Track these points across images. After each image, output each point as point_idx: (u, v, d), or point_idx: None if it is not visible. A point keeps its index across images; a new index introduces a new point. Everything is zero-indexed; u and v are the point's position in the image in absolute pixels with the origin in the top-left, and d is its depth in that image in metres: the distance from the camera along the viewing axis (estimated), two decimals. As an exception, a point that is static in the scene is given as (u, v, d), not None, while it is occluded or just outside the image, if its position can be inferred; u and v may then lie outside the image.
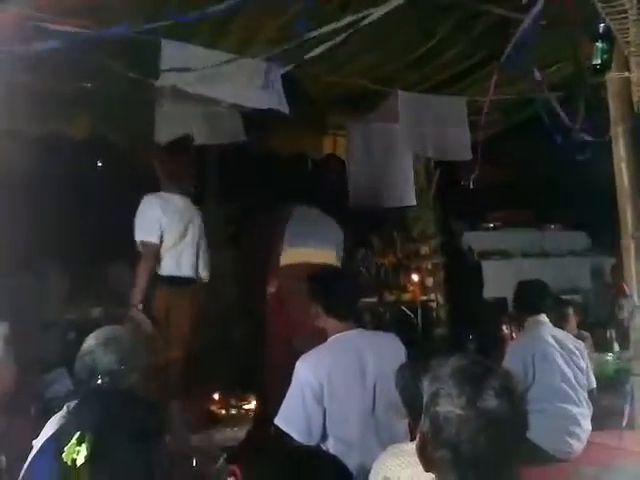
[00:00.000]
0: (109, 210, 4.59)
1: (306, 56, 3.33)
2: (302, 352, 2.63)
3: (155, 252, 3.59)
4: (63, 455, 1.32)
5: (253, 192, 5.24)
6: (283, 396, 2.53)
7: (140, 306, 3.46)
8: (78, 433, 1.32)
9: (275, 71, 3.56)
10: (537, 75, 3.24)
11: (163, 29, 3.03)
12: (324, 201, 4.62)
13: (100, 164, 5.57)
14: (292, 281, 3.92)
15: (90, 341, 2.10)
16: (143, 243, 3.58)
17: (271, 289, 4.05)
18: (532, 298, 3.76)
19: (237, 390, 4.24)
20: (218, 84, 3.44)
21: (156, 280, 3.59)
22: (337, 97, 4.39)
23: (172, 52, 3.28)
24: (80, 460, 1.30)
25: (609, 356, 4.52)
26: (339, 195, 4.76)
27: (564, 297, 4.80)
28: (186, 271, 3.71)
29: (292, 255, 4.03)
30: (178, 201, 3.75)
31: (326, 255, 3.99)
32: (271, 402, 2.73)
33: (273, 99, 3.58)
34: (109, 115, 4.15)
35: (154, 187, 3.81)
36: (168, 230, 3.65)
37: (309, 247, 4.02)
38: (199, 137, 4.05)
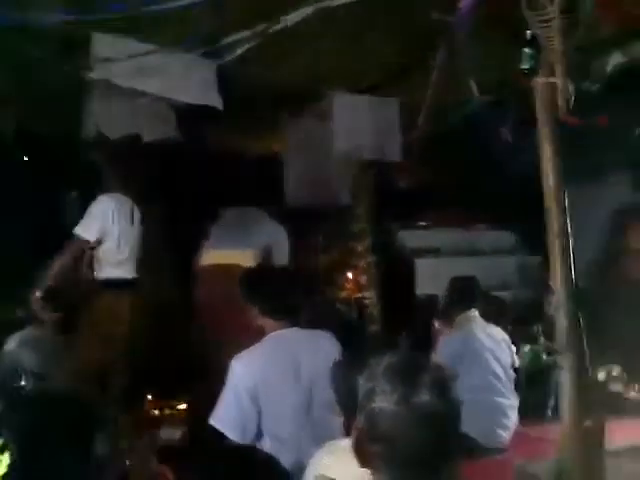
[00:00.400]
0: (35, 208, 4.43)
1: (239, 50, 3.33)
2: (227, 352, 2.65)
3: (81, 250, 3.57)
4: None
5: (187, 192, 5.18)
6: (215, 396, 2.52)
7: (39, 293, 3.44)
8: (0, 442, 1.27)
9: (210, 67, 3.53)
10: (472, 82, 3.32)
11: (95, 22, 2.96)
12: (260, 200, 4.61)
13: (26, 159, 5.37)
14: (208, 284, 3.99)
15: (12, 343, 2.04)
16: (76, 236, 3.59)
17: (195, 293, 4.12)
18: (463, 294, 3.88)
19: (171, 391, 4.18)
20: (151, 78, 3.38)
21: (95, 282, 3.56)
22: (274, 95, 4.38)
23: (104, 45, 3.21)
24: (1, 470, 1.25)
25: (536, 350, 4.69)
26: (276, 194, 4.75)
27: (493, 293, 4.96)
28: (127, 274, 3.71)
29: (208, 257, 4.08)
30: (127, 204, 3.72)
31: (242, 256, 4.02)
32: (204, 402, 2.71)
33: (207, 95, 3.55)
34: (38, 108, 4.02)
35: (84, 185, 3.74)
36: (113, 233, 3.65)
37: (225, 249, 4.06)
38: (130, 132, 3.97)
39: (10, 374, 1.93)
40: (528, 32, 2.59)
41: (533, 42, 2.60)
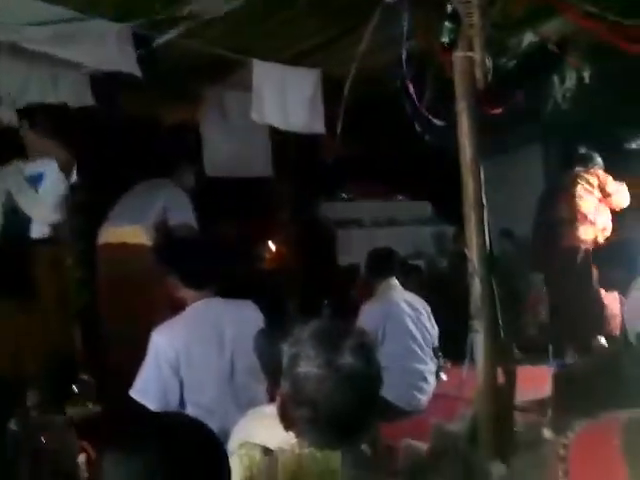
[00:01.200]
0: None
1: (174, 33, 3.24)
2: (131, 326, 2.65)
3: None
4: None
5: (102, 162, 5.00)
6: (131, 372, 2.51)
7: None
8: None
9: (127, 33, 3.40)
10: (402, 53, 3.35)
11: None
12: (177, 171, 4.52)
13: None
14: (103, 262, 3.96)
15: None
16: None
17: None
18: (382, 264, 3.98)
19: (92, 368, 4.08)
20: (65, 44, 3.23)
21: None
22: (193, 63, 4.27)
23: (11, 5, 3.03)
24: None
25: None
26: (194, 164, 4.66)
27: (411, 262, 5.12)
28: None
29: (104, 234, 4.02)
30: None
31: (130, 233, 3.99)
32: (123, 378, 2.68)
33: (125, 62, 3.42)
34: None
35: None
36: None
37: (117, 226, 4.01)
38: (40, 96, 3.79)
39: None
40: (449, 6, 2.65)
41: (453, 16, 2.67)
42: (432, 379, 3.83)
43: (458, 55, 2.68)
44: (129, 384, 2.49)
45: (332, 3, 3.60)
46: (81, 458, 2.38)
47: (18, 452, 1.34)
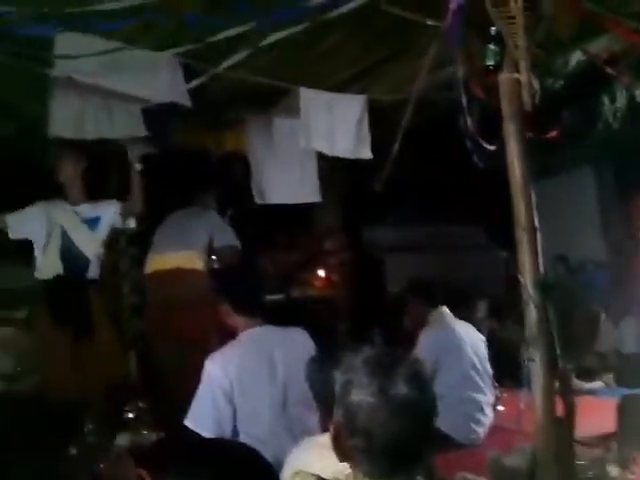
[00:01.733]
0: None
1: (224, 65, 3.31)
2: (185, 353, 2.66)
3: None
4: None
5: (150, 191, 5.11)
6: (181, 399, 2.51)
7: None
8: None
9: (176, 64, 3.49)
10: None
11: (58, 18, 2.91)
12: (228, 199, 4.58)
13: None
14: (154, 289, 3.99)
15: None
16: None
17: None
18: (427, 293, 3.91)
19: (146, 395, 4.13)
20: (117, 76, 3.33)
21: None
22: (239, 92, 4.35)
23: (67, 42, 3.14)
24: None
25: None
26: (244, 192, 4.72)
27: (464, 289, 5.02)
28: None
29: (152, 262, 4.06)
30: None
31: (183, 259, 4.02)
32: (176, 405, 2.69)
33: (175, 92, 3.51)
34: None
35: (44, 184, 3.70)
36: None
37: (166, 253, 4.05)
38: (96, 132, 3.90)
39: None
40: (492, 28, 2.63)
41: (497, 38, 2.65)
42: (490, 410, 3.70)
43: (504, 77, 2.66)
44: (184, 411, 2.50)
45: (375, 29, 3.62)
46: (137, 485, 2.39)
47: (76, 477, 1.36)
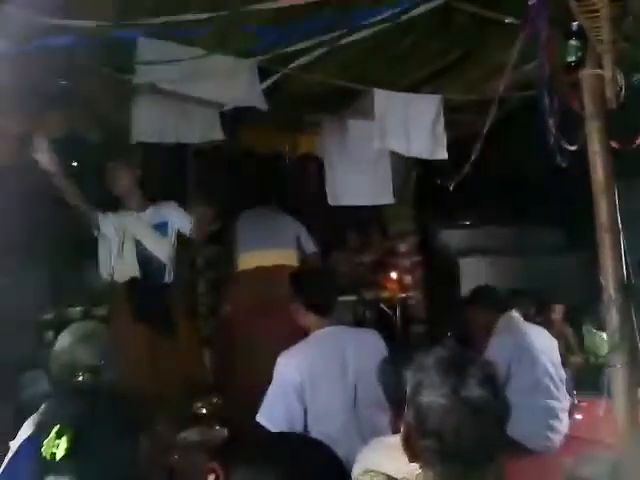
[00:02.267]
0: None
1: (294, 64, 3.36)
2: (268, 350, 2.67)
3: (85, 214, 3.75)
4: (42, 449, 1.30)
5: (227, 192, 5.22)
6: (258, 396, 2.54)
7: None
8: (57, 426, 1.30)
9: (253, 67, 3.55)
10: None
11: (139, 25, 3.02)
12: (301, 200, 4.62)
13: (75, 164, 5.49)
14: (252, 285, 4.00)
15: (66, 338, 2.09)
16: None
17: (230, 294, 4.12)
18: (493, 299, 3.82)
19: (216, 390, 4.21)
20: (196, 81, 3.42)
21: None
22: (313, 95, 4.39)
23: (148, 49, 3.26)
24: (60, 454, 1.28)
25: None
26: (317, 194, 4.76)
27: (540, 293, 4.87)
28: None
29: (247, 260, 4.08)
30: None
31: (283, 255, 4.03)
32: (248, 402, 2.73)
33: (252, 96, 3.57)
34: (85, 113, 4.11)
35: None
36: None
37: (263, 250, 4.06)
38: (176, 136, 4.03)
39: (67, 369, 1.99)
40: (574, 23, 2.55)
41: (579, 33, 2.56)
42: (565, 418, 3.57)
43: (586, 73, 2.57)
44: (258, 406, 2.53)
45: (450, 28, 3.57)
46: (210, 478, 2.44)
47: (150, 468, 1.41)
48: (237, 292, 4.23)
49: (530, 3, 2.61)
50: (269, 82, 3.65)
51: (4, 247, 4.05)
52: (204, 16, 2.81)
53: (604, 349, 4.35)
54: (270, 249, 4.12)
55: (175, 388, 3.52)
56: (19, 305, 4.08)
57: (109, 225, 3.80)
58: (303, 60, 3.47)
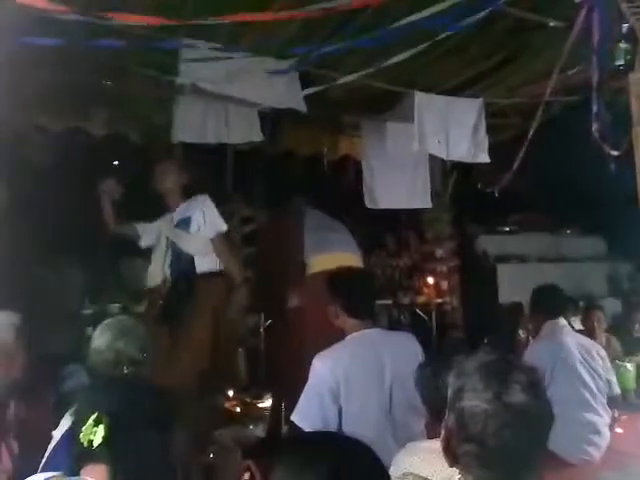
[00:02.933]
0: (126, 208, 4.61)
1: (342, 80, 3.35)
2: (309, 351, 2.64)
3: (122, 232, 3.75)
4: (80, 436, 1.32)
5: (268, 193, 5.24)
6: (299, 396, 2.53)
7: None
8: (95, 414, 1.32)
9: (293, 70, 3.57)
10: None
11: (182, 27, 3.06)
12: (339, 203, 4.61)
13: (117, 162, 5.58)
14: (319, 290, 3.91)
15: (106, 334, 2.11)
16: None
17: (296, 295, 4.01)
18: (550, 302, 3.70)
19: (253, 388, 4.24)
20: (237, 83, 3.45)
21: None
22: (353, 97, 4.39)
23: (192, 50, 3.30)
24: (97, 441, 1.30)
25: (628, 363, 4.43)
26: (354, 196, 4.75)
27: (581, 302, 4.77)
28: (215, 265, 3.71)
29: (323, 261, 3.98)
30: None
31: (353, 258, 3.99)
32: (287, 401, 2.73)
33: (291, 98, 3.59)
34: (128, 113, 4.18)
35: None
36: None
37: (336, 252, 3.99)
38: (216, 137, 4.07)
39: (112, 363, 2.03)
40: (624, 26, 2.49)
41: (629, 36, 2.51)
42: (606, 431, 3.44)
43: (635, 77, 2.51)
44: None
45: (492, 32, 3.53)
46: (245, 476, 2.46)
47: (186, 463, 1.43)
48: (305, 295, 4.11)
49: (577, 0, 2.53)
50: (316, 90, 3.67)
51: (48, 244, 4.14)
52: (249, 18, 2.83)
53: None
54: (339, 252, 4.06)
55: (205, 386, 3.53)
56: (61, 301, 4.16)
57: (150, 234, 3.83)
58: (349, 76, 3.46)
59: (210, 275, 3.68)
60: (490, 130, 4.17)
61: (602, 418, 3.42)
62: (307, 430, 2.42)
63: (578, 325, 4.07)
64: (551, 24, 3.37)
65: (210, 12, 2.85)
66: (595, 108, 2.79)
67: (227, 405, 4.18)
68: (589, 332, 3.91)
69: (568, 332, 3.62)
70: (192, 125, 3.99)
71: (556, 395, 3.24)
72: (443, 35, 3.19)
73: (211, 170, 4.91)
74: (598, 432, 3.37)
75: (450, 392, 1.29)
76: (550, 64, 3.36)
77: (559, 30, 3.33)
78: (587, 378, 3.43)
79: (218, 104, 3.95)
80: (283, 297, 3.91)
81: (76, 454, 1.36)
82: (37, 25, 2.73)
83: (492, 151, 4.10)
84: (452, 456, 1.28)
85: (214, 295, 3.72)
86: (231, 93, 3.57)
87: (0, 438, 2.19)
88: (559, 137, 4.52)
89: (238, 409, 3.71)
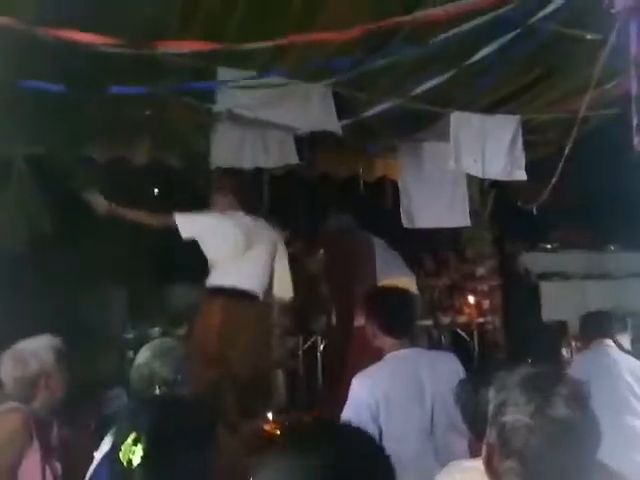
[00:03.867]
0: (167, 233, 4.68)
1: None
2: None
3: (164, 223, 3.70)
4: (120, 455, 1.33)
5: (305, 216, 5.27)
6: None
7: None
8: (134, 434, 1.33)
9: (328, 93, 3.61)
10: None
11: (219, 54, 3.12)
12: (377, 224, 4.61)
13: (157, 190, 5.68)
14: None
15: (145, 353, 2.18)
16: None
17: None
18: (599, 324, 3.64)
19: (292, 411, 4.21)
20: (273, 107, 3.51)
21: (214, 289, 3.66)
22: (388, 118, 4.40)
23: (228, 77, 3.36)
24: (136, 460, 1.31)
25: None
26: (392, 217, 4.74)
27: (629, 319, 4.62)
28: (248, 285, 3.72)
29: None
30: (243, 218, 3.85)
31: (411, 282, 4.01)
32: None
33: (327, 121, 3.63)
34: (168, 140, 4.27)
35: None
36: (222, 238, 3.74)
37: (399, 276, 4.02)
38: (253, 161, 4.12)
39: (145, 382, 2.07)
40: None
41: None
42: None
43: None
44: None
45: (522, 51, 3.51)
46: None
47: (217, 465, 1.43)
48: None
49: (613, 11, 2.50)
50: (354, 119, 3.71)
51: (91, 270, 4.24)
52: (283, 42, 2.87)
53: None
54: (400, 276, 4.09)
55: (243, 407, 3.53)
56: (102, 325, 4.24)
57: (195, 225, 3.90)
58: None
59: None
60: (528, 147, 4.13)
61: None
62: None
63: (627, 344, 3.94)
64: (587, 37, 3.34)
65: (249, 38, 2.91)
66: (635, 120, 2.73)
67: (267, 427, 4.17)
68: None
69: (615, 350, 3.54)
70: (230, 150, 4.05)
71: (600, 402, 3.14)
72: (478, 56, 3.18)
73: (247, 194, 4.97)
74: None
75: (491, 407, 1.26)
76: (587, 78, 3.32)
77: (596, 43, 3.29)
78: (635, 386, 3.32)
79: (254, 129, 4.00)
80: (351, 317, 3.95)
81: (116, 474, 1.37)
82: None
83: (531, 168, 4.05)
84: (494, 473, 1.25)
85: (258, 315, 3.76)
86: (267, 118, 3.62)
87: (44, 460, 2.22)
88: (599, 152, 4.45)
89: (277, 432, 3.69)
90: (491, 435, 1.25)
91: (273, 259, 3.88)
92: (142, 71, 3.12)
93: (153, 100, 3.76)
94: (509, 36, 3.11)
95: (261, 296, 3.77)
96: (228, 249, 3.73)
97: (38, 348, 2.39)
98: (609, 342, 3.55)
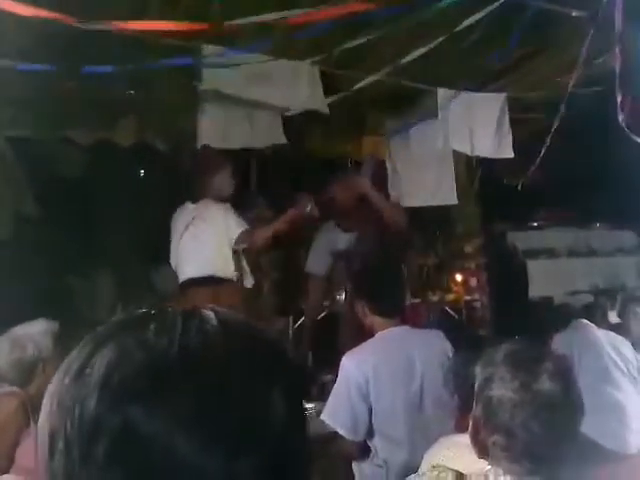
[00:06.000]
0: (153, 215, 4.66)
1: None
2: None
3: None
4: None
5: (289, 195, 5.24)
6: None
7: None
8: None
9: (316, 72, 3.58)
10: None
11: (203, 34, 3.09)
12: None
13: (143, 172, 5.63)
14: None
15: None
16: None
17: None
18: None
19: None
20: (260, 86, 3.48)
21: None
22: (375, 96, 4.38)
23: (214, 55, 3.33)
24: None
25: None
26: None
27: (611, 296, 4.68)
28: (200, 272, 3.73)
29: None
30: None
31: None
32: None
33: (314, 100, 3.60)
34: (152, 121, 4.23)
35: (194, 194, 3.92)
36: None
37: None
38: (240, 141, 4.09)
39: None
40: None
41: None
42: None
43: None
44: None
45: (509, 29, 3.50)
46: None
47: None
48: None
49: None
50: (342, 95, 3.69)
51: (80, 254, 4.21)
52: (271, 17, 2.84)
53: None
54: None
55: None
56: (92, 307, 4.23)
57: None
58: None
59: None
60: (514, 124, 4.14)
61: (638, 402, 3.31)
62: (338, 428, 2.42)
63: (615, 318, 3.99)
64: (574, 14, 3.34)
65: (234, 16, 2.88)
66: (619, 98, 2.74)
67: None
68: (626, 325, 3.82)
69: (594, 327, 3.56)
70: (217, 130, 4.01)
71: (585, 377, 3.16)
72: (462, 26, 3.16)
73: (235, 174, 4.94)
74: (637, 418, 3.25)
75: (477, 382, 1.29)
76: (574, 56, 3.33)
77: (582, 21, 3.29)
78: (617, 360, 3.34)
79: (241, 109, 3.96)
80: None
81: None
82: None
83: (517, 146, 4.07)
84: (481, 447, 1.27)
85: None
86: (255, 97, 3.59)
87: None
88: (586, 130, 4.46)
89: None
90: (477, 409, 1.27)
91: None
92: (123, 49, 3.07)
93: (137, 79, 3.72)
94: (495, 4, 3.09)
95: (224, 278, 3.76)
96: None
97: (36, 333, 2.37)
98: (585, 322, 3.58)
